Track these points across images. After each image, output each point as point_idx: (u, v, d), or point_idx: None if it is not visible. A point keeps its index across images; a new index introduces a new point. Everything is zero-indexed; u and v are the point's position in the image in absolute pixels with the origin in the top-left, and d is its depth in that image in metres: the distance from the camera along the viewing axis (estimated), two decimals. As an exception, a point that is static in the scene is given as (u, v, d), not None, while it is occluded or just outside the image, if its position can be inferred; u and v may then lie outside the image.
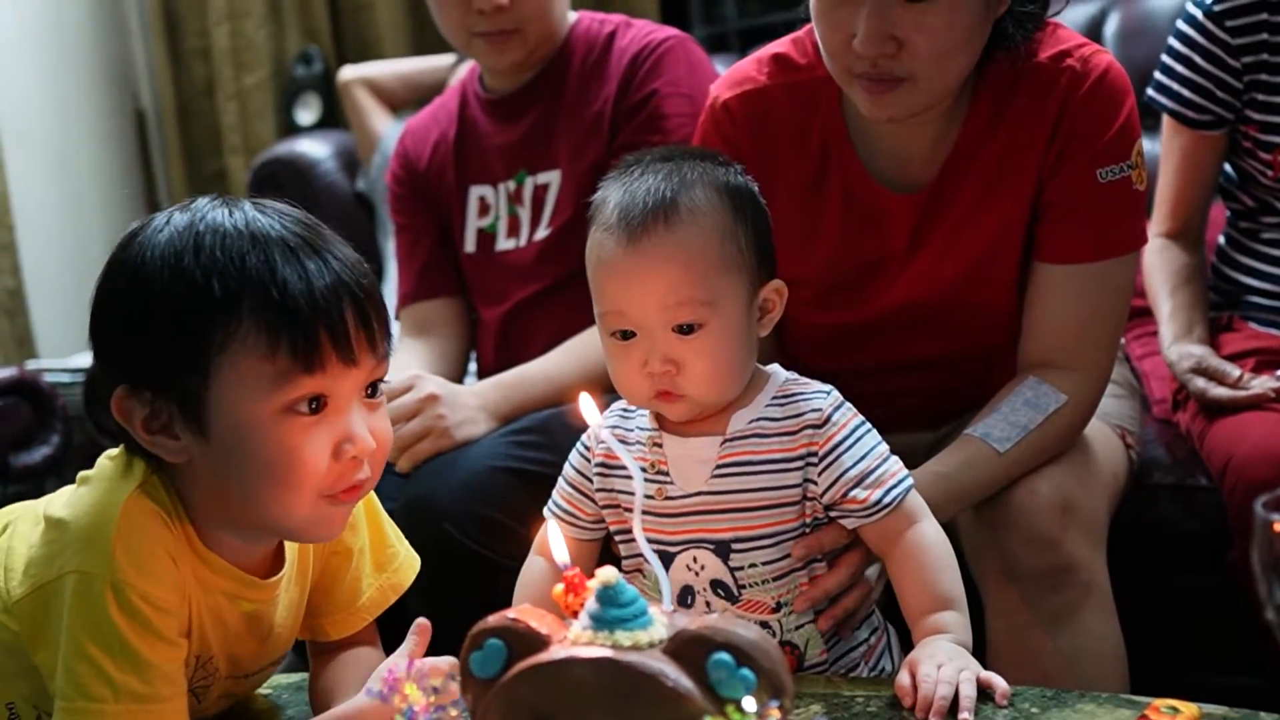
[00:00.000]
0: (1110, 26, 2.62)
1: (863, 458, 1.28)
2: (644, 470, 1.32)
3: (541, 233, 2.05)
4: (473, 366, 2.23)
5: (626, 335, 1.28)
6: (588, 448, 1.39)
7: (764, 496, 1.29)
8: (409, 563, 1.38)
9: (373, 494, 1.31)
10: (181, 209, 1.17)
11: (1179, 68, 1.94)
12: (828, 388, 1.32)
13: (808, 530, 1.31)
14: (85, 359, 3.21)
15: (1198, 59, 1.92)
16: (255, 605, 1.25)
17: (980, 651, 1.28)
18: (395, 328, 1.49)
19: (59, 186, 3.80)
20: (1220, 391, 1.84)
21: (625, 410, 1.38)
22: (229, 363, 1.10)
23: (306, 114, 3.68)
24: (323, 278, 1.12)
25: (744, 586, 1.31)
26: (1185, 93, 1.94)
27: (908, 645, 1.30)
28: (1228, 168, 2.01)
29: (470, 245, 2.13)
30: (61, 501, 1.19)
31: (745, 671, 0.88)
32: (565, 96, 2.06)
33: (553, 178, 2.06)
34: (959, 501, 1.51)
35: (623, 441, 1.34)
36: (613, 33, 2.08)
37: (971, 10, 1.46)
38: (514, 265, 2.08)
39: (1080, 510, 1.54)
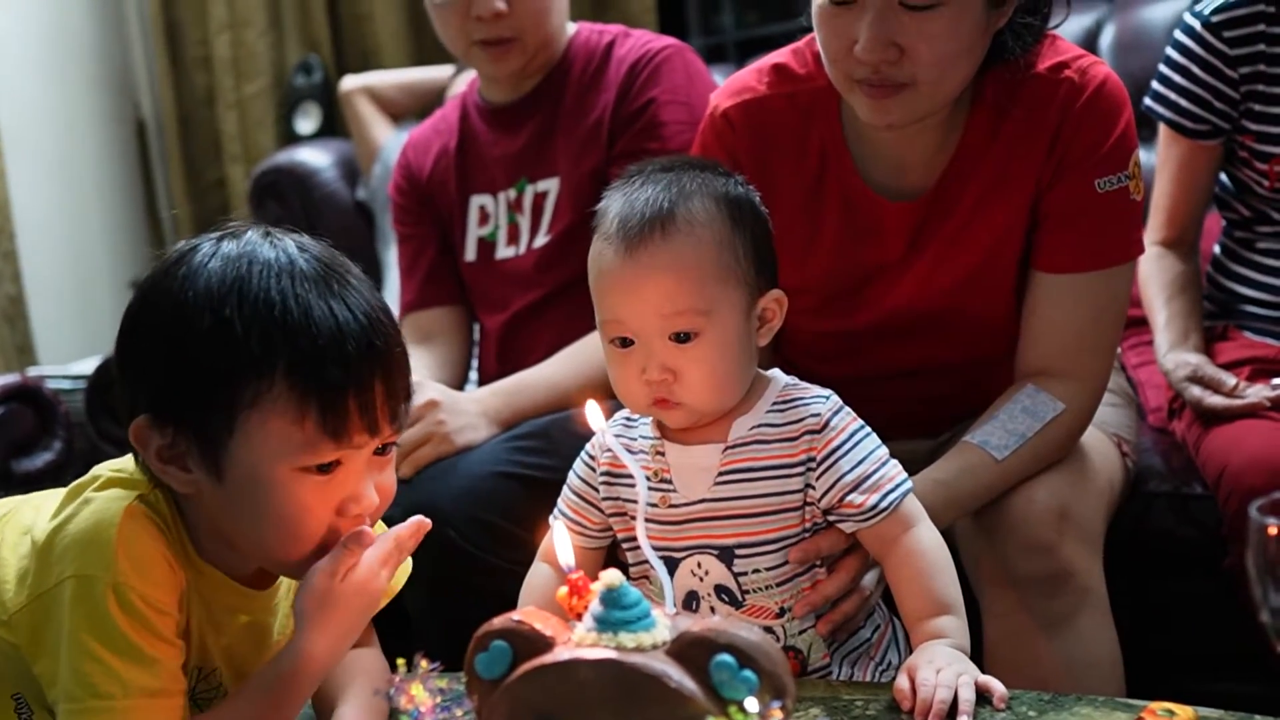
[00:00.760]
0: (1106, 38, 2.63)
1: (860, 462, 1.29)
2: (648, 478, 1.33)
3: (540, 240, 2.06)
4: (474, 375, 2.24)
5: (625, 343, 1.29)
6: (593, 457, 1.40)
7: (766, 502, 1.30)
8: (402, 566, 1.39)
9: None
10: (230, 238, 1.17)
11: (1176, 78, 1.95)
12: (827, 392, 1.33)
13: (809, 535, 1.32)
14: (87, 366, 3.21)
15: (1195, 69, 1.93)
16: (254, 615, 1.26)
17: (977, 656, 1.29)
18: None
19: (60, 194, 3.81)
20: (1216, 400, 1.84)
21: (629, 419, 1.39)
22: (257, 419, 1.12)
23: (307, 123, 3.68)
24: (358, 346, 1.13)
25: (748, 592, 1.32)
26: (1182, 102, 1.95)
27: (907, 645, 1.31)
28: (1224, 177, 2.02)
29: (471, 254, 2.14)
30: (52, 511, 1.20)
31: (747, 673, 0.89)
32: (565, 105, 2.07)
33: (552, 185, 2.07)
34: (957, 508, 1.52)
35: (627, 450, 1.35)
36: (611, 42, 2.09)
37: (973, 18, 1.47)
38: (514, 273, 2.09)
39: (1077, 517, 1.54)
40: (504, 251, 2.11)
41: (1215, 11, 1.90)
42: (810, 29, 1.56)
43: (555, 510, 1.43)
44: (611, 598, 0.93)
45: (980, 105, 1.59)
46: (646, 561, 1.35)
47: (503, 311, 2.11)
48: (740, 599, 1.33)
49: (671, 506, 1.33)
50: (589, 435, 1.37)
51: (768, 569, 1.32)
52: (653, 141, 1.97)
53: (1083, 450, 1.63)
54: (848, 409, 1.33)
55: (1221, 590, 1.72)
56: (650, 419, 1.36)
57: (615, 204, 1.31)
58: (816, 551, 1.32)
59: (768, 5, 3.85)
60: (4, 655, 1.19)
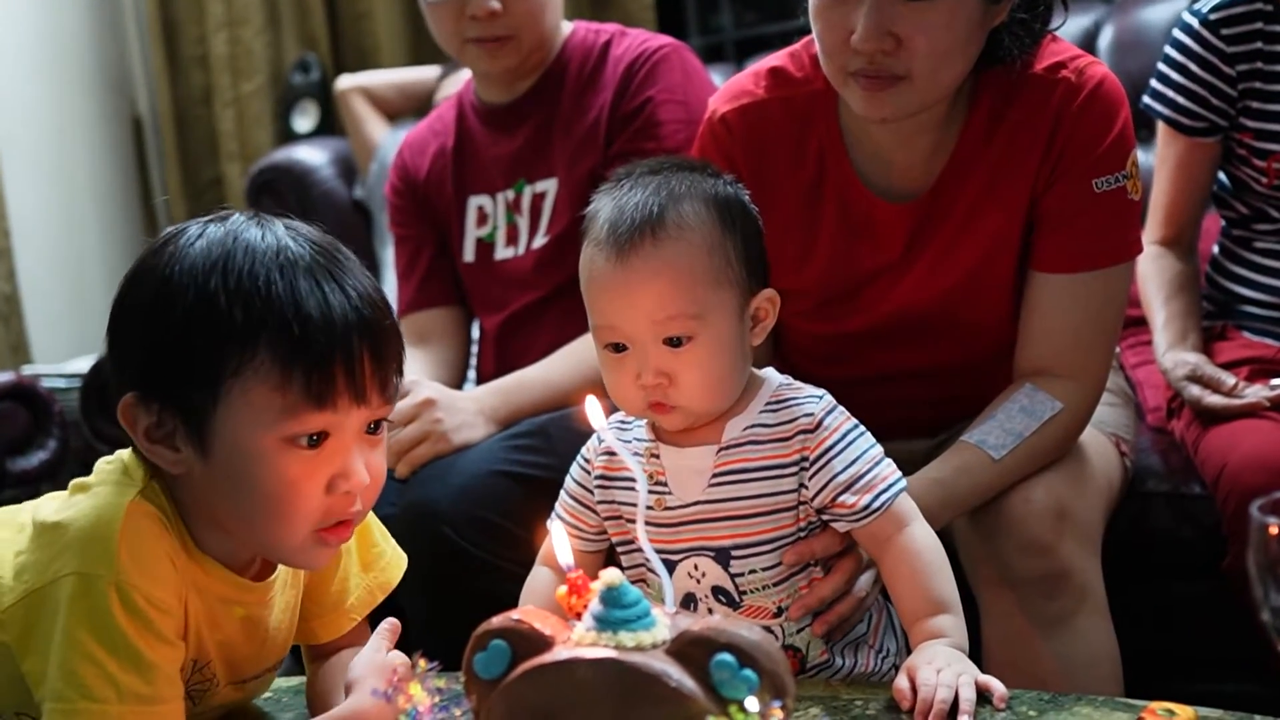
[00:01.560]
0: (1104, 38, 2.63)
1: (853, 462, 1.29)
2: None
3: (539, 241, 2.06)
4: (472, 375, 2.24)
5: (619, 348, 1.29)
6: (588, 460, 1.40)
7: (761, 503, 1.30)
8: (396, 561, 1.38)
9: None
10: (217, 220, 1.17)
11: (1174, 75, 1.95)
12: (820, 392, 1.33)
13: (804, 535, 1.32)
14: (81, 364, 3.21)
15: (1193, 67, 1.93)
16: (250, 609, 1.25)
17: (975, 657, 1.28)
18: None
19: (56, 192, 3.81)
20: (1214, 399, 1.84)
21: (623, 421, 1.39)
22: (240, 387, 1.11)
23: (304, 121, 3.68)
24: (344, 313, 1.12)
25: (745, 592, 1.32)
26: (1180, 100, 1.95)
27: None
28: (1222, 176, 2.02)
29: (469, 255, 2.13)
30: (54, 507, 1.19)
31: (748, 672, 0.88)
32: (562, 105, 2.07)
33: (550, 186, 2.06)
34: (954, 508, 1.52)
35: (623, 452, 1.34)
36: (608, 42, 2.09)
37: (970, 13, 1.47)
38: (512, 274, 2.09)
39: (1075, 517, 1.54)
40: (503, 252, 2.10)
41: (1213, 9, 1.91)
42: (808, 30, 1.56)
43: (553, 514, 1.42)
44: (611, 597, 0.93)
45: (977, 106, 1.59)
46: (643, 564, 1.36)
47: (501, 312, 2.10)
48: (738, 600, 1.33)
49: (667, 509, 1.32)
50: (587, 433, 1.36)
51: (764, 569, 1.31)
52: (650, 141, 1.96)
53: (1081, 450, 1.63)
54: (841, 408, 1.32)
55: (1220, 590, 1.72)
56: (644, 421, 1.35)
57: (604, 208, 1.30)
58: (810, 553, 1.32)
59: (766, 5, 3.85)
60: (2, 659, 1.16)
